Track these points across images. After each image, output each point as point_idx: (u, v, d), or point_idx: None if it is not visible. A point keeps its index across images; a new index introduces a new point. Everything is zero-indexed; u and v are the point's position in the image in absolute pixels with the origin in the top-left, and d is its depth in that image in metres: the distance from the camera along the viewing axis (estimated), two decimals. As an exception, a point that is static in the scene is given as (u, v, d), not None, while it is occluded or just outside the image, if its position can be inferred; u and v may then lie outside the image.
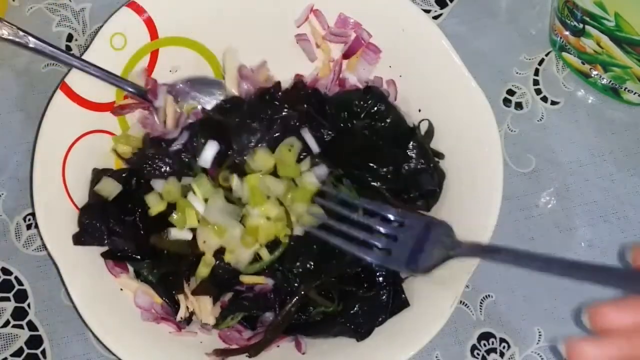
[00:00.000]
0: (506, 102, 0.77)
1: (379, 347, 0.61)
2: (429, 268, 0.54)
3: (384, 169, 0.65)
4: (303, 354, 0.63)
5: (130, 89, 0.67)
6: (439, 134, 0.67)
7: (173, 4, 0.67)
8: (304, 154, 0.65)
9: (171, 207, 0.64)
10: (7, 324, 0.69)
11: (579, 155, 0.75)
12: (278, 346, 0.64)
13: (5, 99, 0.75)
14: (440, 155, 0.67)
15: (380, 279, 0.63)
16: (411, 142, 0.66)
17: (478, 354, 0.69)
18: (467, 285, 0.68)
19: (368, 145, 0.66)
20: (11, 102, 0.75)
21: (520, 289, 0.70)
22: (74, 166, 0.65)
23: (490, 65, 0.77)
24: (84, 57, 0.65)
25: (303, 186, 0.63)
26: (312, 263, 0.62)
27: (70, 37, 0.77)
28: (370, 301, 0.63)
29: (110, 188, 0.64)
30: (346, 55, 0.71)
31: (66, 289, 0.60)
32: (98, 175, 0.65)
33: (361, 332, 0.62)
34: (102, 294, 0.63)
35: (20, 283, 0.70)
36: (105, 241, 0.63)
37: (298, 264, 0.62)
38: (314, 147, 0.65)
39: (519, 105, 0.76)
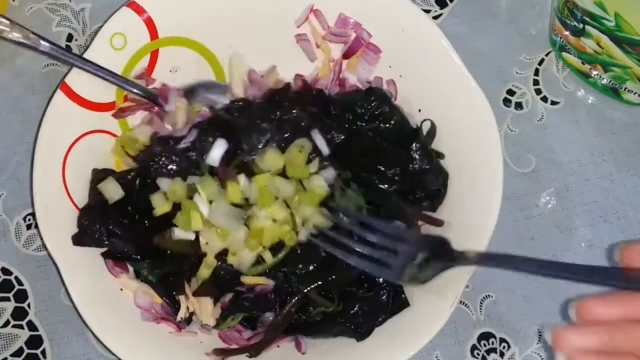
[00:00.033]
0: (506, 102, 0.77)
1: (379, 347, 0.61)
2: (426, 279, 0.55)
3: (391, 171, 0.65)
4: (303, 354, 0.63)
5: (142, 94, 0.67)
6: (439, 134, 0.67)
7: (173, 4, 0.67)
8: (313, 154, 0.64)
9: (176, 207, 0.63)
10: (7, 324, 0.69)
11: (579, 155, 0.75)
12: (278, 346, 0.64)
13: (5, 99, 0.75)
14: (441, 155, 0.67)
15: (381, 279, 0.63)
16: (415, 143, 0.66)
17: (478, 354, 0.69)
18: (467, 285, 0.68)
19: (374, 147, 0.66)
20: (11, 102, 0.75)
21: (520, 289, 0.70)
22: (74, 166, 0.64)
23: (490, 65, 0.77)
24: (84, 56, 0.65)
25: (311, 189, 0.63)
26: (314, 266, 0.62)
27: (70, 37, 0.77)
28: (370, 301, 0.63)
29: (112, 191, 0.64)
30: (346, 55, 0.71)
31: (66, 289, 0.60)
32: (98, 175, 0.65)
33: (361, 332, 0.62)
34: (102, 294, 0.62)
35: (20, 283, 0.70)
36: (105, 243, 0.63)
37: (300, 266, 0.62)
38: (324, 149, 0.65)
39: (519, 105, 0.76)
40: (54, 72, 0.76)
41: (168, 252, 0.64)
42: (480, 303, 0.70)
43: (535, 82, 0.77)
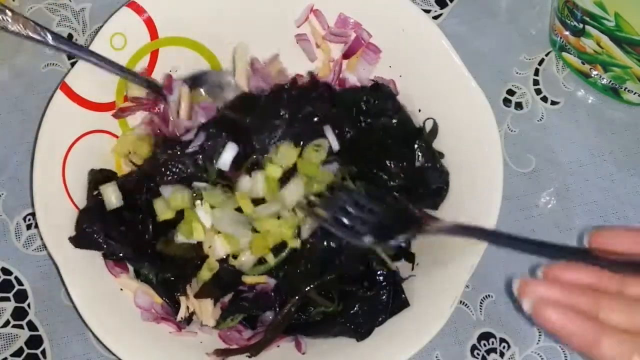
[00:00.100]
0: (506, 102, 0.77)
1: (379, 347, 0.61)
2: (395, 246, 0.57)
3: (395, 167, 0.65)
4: (303, 354, 0.63)
5: (147, 85, 0.67)
6: (439, 133, 0.67)
7: (173, 4, 0.67)
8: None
9: (180, 211, 0.63)
10: (7, 324, 0.69)
11: (579, 155, 0.75)
12: (278, 346, 0.64)
13: (5, 99, 0.75)
14: (440, 155, 0.67)
15: (381, 278, 0.63)
16: (418, 141, 0.66)
17: (478, 354, 0.69)
18: (467, 285, 0.68)
19: (379, 143, 0.66)
20: (11, 102, 0.75)
21: (520, 289, 0.70)
22: (74, 166, 0.64)
23: (490, 65, 0.77)
24: (88, 62, 0.65)
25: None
26: (315, 265, 0.62)
27: (70, 37, 0.77)
28: (370, 301, 0.63)
29: (111, 198, 0.63)
30: (346, 55, 0.71)
31: (66, 289, 0.60)
32: (95, 176, 0.65)
33: (361, 332, 0.62)
34: (102, 294, 0.62)
35: (20, 283, 0.70)
36: (103, 246, 0.63)
37: (301, 265, 0.62)
38: (335, 145, 0.65)
39: (519, 105, 0.76)
40: (54, 72, 0.76)
41: (170, 256, 0.64)
42: (480, 303, 0.70)
43: (535, 82, 0.77)
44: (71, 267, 0.61)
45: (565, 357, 0.69)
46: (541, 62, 0.78)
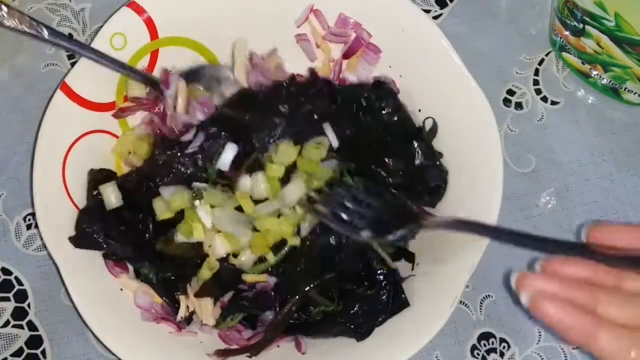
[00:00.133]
0: (506, 102, 0.77)
1: (379, 347, 0.61)
2: (394, 241, 0.57)
3: (394, 165, 0.65)
4: (303, 354, 0.63)
5: (143, 79, 0.67)
6: (439, 133, 0.67)
7: (173, 4, 0.67)
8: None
9: (180, 211, 0.63)
10: (7, 324, 0.69)
11: (579, 155, 0.75)
12: (278, 346, 0.64)
13: (5, 99, 0.75)
14: (439, 154, 0.67)
15: (381, 277, 0.63)
16: (417, 139, 0.66)
17: (478, 354, 0.69)
18: (467, 285, 0.68)
19: (379, 140, 0.66)
20: (11, 102, 0.75)
21: (520, 289, 0.70)
22: (74, 166, 0.64)
23: (490, 65, 0.77)
24: (83, 57, 0.65)
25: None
26: (315, 263, 0.62)
27: (70, 37, 0.77)
28: (370, 301, 0.63)
29: (111, 198, 0.63)
30: (346, 55, 0.71)
31: (66, 289, 0.60)
32: (95, 175, 0.65)
33: (361, 332, 0.62)
34: (102, 294, 0.62)
35: (20, 283, 0.70)
36: (103, 246, 0.63)
37: (301, 264, 0.62)
38: (334, 142, 0.65)
39: (519, 105, 0.76)
40: (54, 72, 0.76)
41: (170, 256, 0.64)
42: (480, 303, 0.70)
43: (535, 82, 0.77)
44: (71, 267, 0.61)
45: (565, 357, 0.69)
46: (541, 62, 0.78)
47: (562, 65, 0.77)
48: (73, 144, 0.65)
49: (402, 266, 0.65)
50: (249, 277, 0.63)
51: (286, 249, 0.62)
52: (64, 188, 0.64)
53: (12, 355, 0.68)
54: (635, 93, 0.73)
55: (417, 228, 0.56)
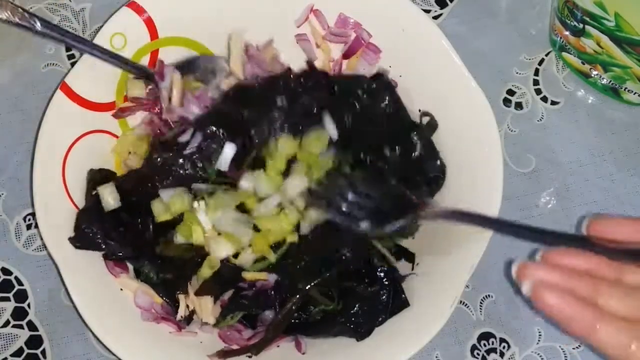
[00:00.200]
0: (506, 102, 0.77)
1: (379, 347, 0.61)
2: (392, 231, 0.57)
3: (393, 156, 0.65)
4: (303, 354, 0.63)
5: (137, 71, 0.66)
6: (438, 133, 0.67)
7: (173, 4, 0.67)
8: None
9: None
10: (7, 324, 0.69)
11: (579, 155, 0.75)
12: (278, 346, 0.64)
13: (5, 99, 0.75)
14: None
15: (382, 274, 0.63)
16: (416, 131, 0.66)
17: (478, 354, 0.69)
18: (467, 285, 0.68)
19: (377, 132, 0.66)
20: (11, 102, 0.75)
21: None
22: (74, 166, 0.64)
23: (490, 65, 0.77)
24: (84, 56, 0.65)
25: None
26: (315, 261, 0.62)
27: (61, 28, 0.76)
28: (370, 301, 0.63)
29: (109, 199, 0.63)
30: (346, 55, 0.71)
31: (66, 289, 0.60)
32: (94, 176, 0.65)
33: (361, 332, 0.62)
34: (102, 294, 0.62)
35: (20, 283, 0.70)
36: (102, 247, 0.63)
37: (302, 261, 0.62)
38: (334, 134, 0.64)
39: (519, 105, 0.76)
40: (54, 72, 0.76)
41: (170, 257, 0.64)
42: (480, 303, 0.70)
43: (535, 82, 0.77)
44: (71, 267, 0.61)
45: (565, 357, 0.69)
46: (541, 62, 0.78)
47: (562, 65, 0.77)
48: (73, 144, 0.65)
49: (402, 266, 0.65)
50: (249, 275, 0.63)
51: (285, 246, 0.62)
52: (64, 188, 0.64)
53: (12, 355, 0.68)
54: (635, 93, 0.73)
55: (416, 219, 0.55)
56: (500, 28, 0.79)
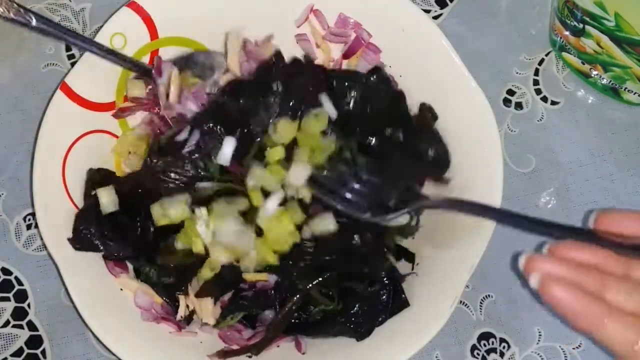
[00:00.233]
0: (506, 102, 0.77)
1: (379, 347, 0.61)
2: (392, 218, 0.57)
3: (395, 139, 0.64)
4: (303, 354, 0.63)
5: (136, 68, 0.66)
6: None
7: (173, 4, 0.67)
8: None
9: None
10: (7, 324, 0.69)
11: (579, 155, 0.75)
12: (278, 346, 0.64)
13: (5, 99, 0.75)
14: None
15: (382, 273, 0.63)
16: (417, 117, 0.66)
17: (478, 354, 0.69)
18: (467, 285, 0.68)
19: (377, 116, 0.65)
20: (11, 102, 0.75)
21: (520, 289, 0.70)
22: (74, 166, 0.64)
23: (490, 65, 0.77)
24: (84, 56, 0.65)
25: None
26: (315, 261, 0.62)
27: (57, 24, 0.76)
28: (370, 301, 0.63)
29: (107, 202, 0.63)
30: (346, 55, 0.71)
31: (66, 289, 0.60)
32: (93, 175, 0.65)
33: (361, 332, 0.62)
34: (102, 294, 0.62)
35: (20, 283, 0.70)
36: (100, 248, 0.63)
37: (302, 262, 0.62)
38: (332, 113, 0.63)
39: (519, 105, 0.76)
40: (54, 72, 0.76)
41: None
42: (480, 303, 0.70)
43: (535, 82, 0.77)
44: (71, 267, 0.61)
45: (565, 357, 0.69)
46: (541, 62, 0.78)
47: (562, 65, 0.77)
48: (73, 144, 0.65)
49: (402, 266, 0.65)
50: (249, 276, 0.62)
51: (287, 247, 0.62)
52: (64, 188, 0.64)
53: (12, 355, 0.68)
54: (635, 93, 0.73)
55: (418, 207, 0.55)
56: (500, 28, 0.79)
